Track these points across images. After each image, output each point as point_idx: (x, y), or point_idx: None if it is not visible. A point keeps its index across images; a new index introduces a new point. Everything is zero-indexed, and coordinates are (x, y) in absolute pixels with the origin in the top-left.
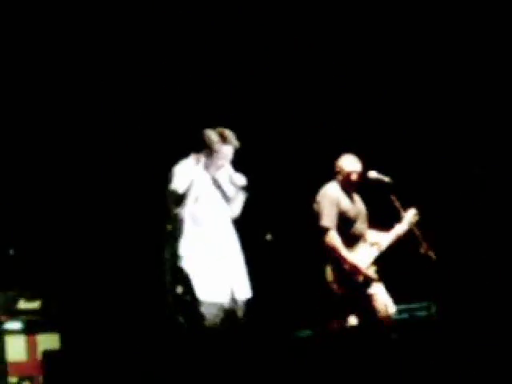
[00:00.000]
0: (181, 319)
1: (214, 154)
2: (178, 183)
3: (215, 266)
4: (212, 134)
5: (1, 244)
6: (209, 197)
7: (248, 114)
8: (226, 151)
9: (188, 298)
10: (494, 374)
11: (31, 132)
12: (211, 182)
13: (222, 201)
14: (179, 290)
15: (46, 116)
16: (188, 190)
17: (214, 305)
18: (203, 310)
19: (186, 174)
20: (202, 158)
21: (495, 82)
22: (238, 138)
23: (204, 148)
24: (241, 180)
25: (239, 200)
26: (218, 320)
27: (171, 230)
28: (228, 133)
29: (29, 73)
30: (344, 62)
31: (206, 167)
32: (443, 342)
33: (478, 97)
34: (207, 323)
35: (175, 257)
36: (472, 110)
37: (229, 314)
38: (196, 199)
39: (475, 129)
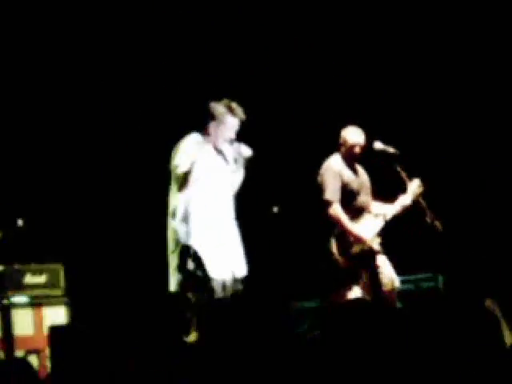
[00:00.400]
0: (190, 295)
1: (222, 125)
2: (180, 161)
3: (217, 244)
4: (219, 106)
5: (9, 216)
6: (213, 170)
7: (252, 87)
8: (233, 123)
9: (199, 273)
10: (498, 343)
11: (36, 107)
12: (216, 154)
13: (226, 174)
14: (191, 266)
15: (55, 92)
16: (191, 168)
17: (220, 281)
18: (213, 285)
19: (190, 152)
20: (208, 132)
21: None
22: (243, 110)
23: (211, 120)
24: (247, 151)
25: (241, 172)
26: (224, 296)
27: (174, 208)
28: (235, 105)
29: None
30: (349, 34)
31: (212, 140)
32: (449, 313)
33: (480, 68)
34: (216, 298)
35: (180, 234)
36: (476, 80)
37: (231, 291)
38: (197, 179)
39: (480, 98)
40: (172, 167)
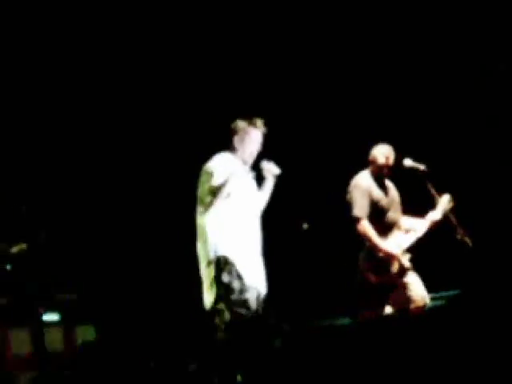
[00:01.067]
0: (223, 306)
1: (246, 137)
2: (218, 174)
3: (250, 257)
4: (239, 121)
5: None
6: (243, 186)
7: (279, 103)
8: (255, 135)
9: (235, 285)
10: None
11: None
12: (244, 170)
13: (254, 191)
14: (226, 278)
15: (72, 90)
16: (226, 181)
17: (254, 289)
18: (248, 295)
19: (226, 166)
20: (234, 148)
21: None
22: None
23: (234, 136)
24: (276, 169)
25: (269, 190)
26: (257, 306)
27: (202, 228)
28: (255, 119)
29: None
30: (377, 46)
31: (240, 155)
32: (477, 331)
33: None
34: (251, 309)
35: (212, 247)
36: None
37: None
38: (229, 194)
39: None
40: (213, 186)
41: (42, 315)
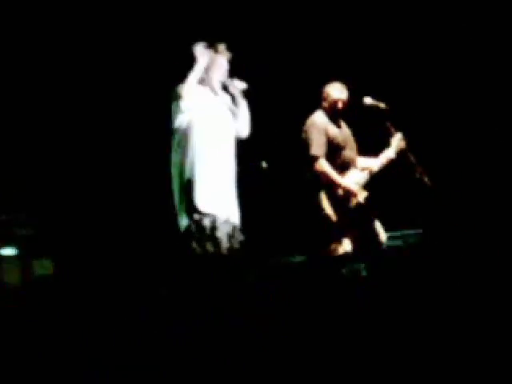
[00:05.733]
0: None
1: (211, 67)
2: (186, 93)
3: (215, 184)
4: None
5: None
6: (214, 112)
7: (239, 41)
8: (221, 62)
9: (206, 222)
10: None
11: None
12: (214, 97)
13: (227, 118)
14: (196, 216)
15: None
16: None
17: (228, 223)
18: (219, 234)
19: (192, 93)
20: (202, 78)
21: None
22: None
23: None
24: (241, 84)
25: (244, 111)
26: (232, 241)
27: (175, 161)
28: (218, 44)
29: None
30: None
31: (208, 83)
32: (434, 269)
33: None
34: (222, 248)
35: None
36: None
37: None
38: (199, 119)
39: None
40: (177, 98)
41: None
